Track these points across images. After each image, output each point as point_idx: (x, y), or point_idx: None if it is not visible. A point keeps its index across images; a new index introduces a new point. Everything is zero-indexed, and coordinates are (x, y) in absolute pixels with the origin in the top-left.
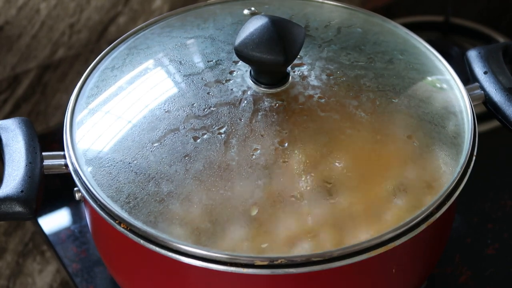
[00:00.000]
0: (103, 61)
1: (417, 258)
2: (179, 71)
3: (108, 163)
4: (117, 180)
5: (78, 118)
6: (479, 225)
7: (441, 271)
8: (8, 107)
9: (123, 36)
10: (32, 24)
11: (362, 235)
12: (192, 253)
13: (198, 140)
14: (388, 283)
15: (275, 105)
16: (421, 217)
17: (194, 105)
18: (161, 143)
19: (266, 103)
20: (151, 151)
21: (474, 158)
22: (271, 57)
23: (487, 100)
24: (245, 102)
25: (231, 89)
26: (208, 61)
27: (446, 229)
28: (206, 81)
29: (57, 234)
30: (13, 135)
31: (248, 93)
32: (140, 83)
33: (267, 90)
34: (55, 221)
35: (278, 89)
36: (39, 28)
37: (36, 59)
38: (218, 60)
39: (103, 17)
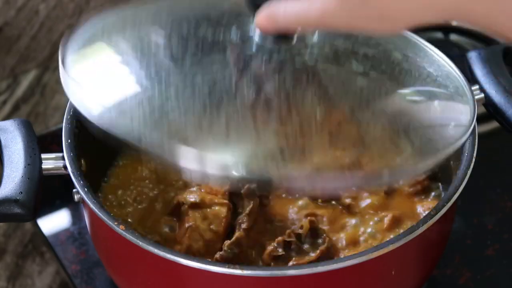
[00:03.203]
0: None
1: (416, 260)
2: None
3: None
4: None
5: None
6: (479, 226)
7: (441, 272)
8: (7, 108)
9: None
10: (31, 25)
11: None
12: None
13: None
14: (387, 285)
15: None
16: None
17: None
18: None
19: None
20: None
21: (474, 159)
22: None
23: (487, 102)
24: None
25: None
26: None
27: (446, 230)
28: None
29: (56, 235)
30: (12, 137)
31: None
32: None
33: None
34: (54, 223)
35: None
36: (38, 29)
37: (35, 60)
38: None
39: None
